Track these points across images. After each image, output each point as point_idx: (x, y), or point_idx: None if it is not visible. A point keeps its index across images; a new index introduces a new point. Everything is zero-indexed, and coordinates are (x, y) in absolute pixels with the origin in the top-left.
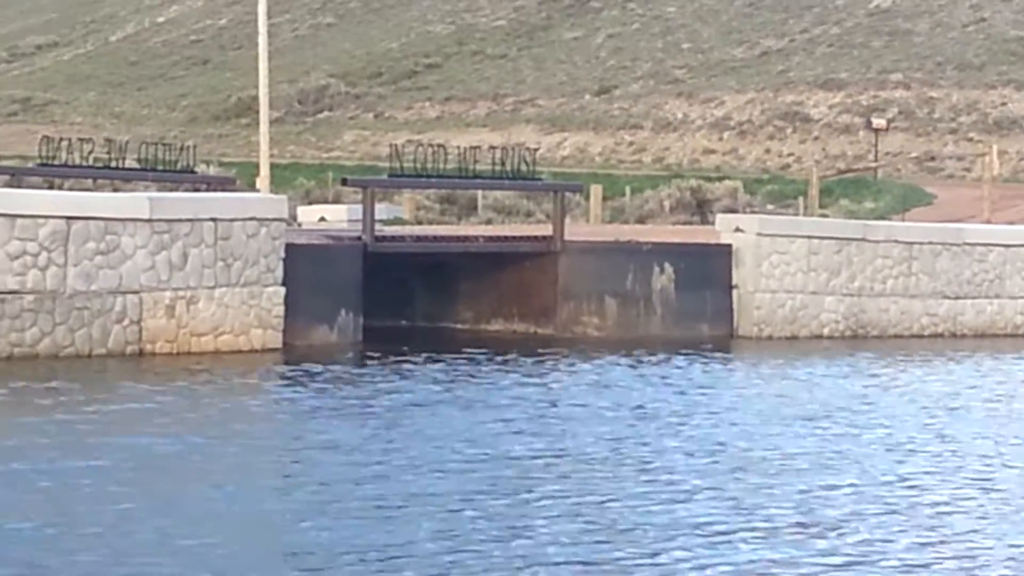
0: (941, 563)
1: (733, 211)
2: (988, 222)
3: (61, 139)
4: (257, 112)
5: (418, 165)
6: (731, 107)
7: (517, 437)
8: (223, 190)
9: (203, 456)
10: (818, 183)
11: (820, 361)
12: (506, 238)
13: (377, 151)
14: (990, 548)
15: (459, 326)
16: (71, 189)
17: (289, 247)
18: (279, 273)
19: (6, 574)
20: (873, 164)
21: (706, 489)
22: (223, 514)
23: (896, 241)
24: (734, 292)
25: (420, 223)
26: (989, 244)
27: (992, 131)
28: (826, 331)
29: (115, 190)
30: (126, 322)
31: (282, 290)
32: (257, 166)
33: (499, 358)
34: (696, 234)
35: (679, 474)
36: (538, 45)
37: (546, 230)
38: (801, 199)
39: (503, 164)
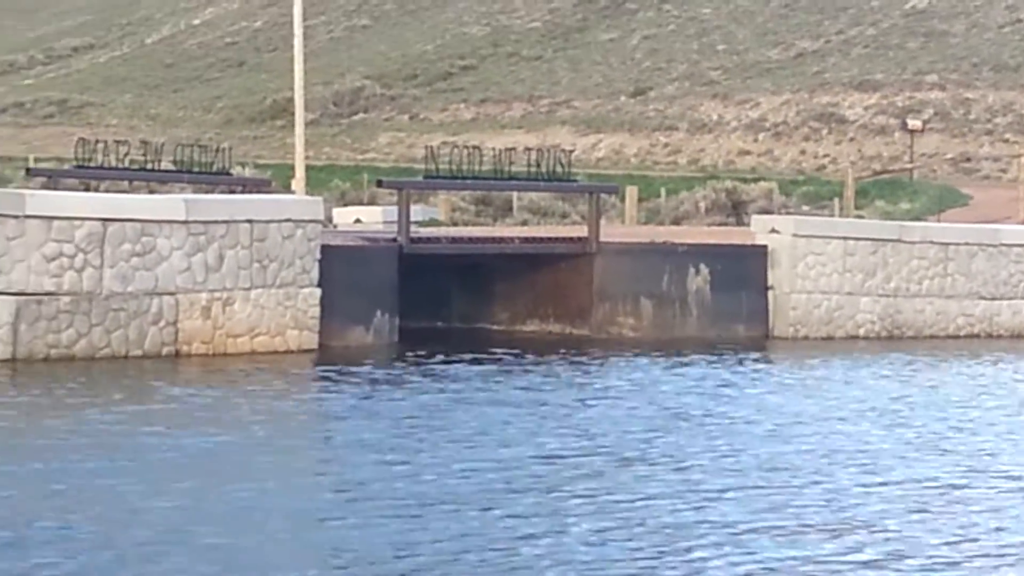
0: (970, 561)
1: (768, 212)
2: None
3: (97, 141)
4: (292, 114)
5: (453, 167)
6: (766, 108)
7: (550, 437)
8: (258, 192)
9: (237, 456)
10: (854, 184)
11: (855, 361)
12: (542, 239)
13: (412, 153)
14: (1018, 547)
15: (495, 327)
16: (107, 191)
17: (325, 248)
18: (315, 274)
19: (34, 571)
20: (909, 165)
21: (737, 488)
22: (256, 514)
23: (932, 242)
24: (770, 293)
25: (455, 224)
26: None
27: None
28: (862, 332)
29: (151, 192)
30: (162, 323)
31: (318, 291)
32: (292, 168)
33: (534, 359)
34: (731, 235)
35: (710, 473)
36: (573, 47)
37: (581, 231)
38: (837, 200)
39: (538, 166)
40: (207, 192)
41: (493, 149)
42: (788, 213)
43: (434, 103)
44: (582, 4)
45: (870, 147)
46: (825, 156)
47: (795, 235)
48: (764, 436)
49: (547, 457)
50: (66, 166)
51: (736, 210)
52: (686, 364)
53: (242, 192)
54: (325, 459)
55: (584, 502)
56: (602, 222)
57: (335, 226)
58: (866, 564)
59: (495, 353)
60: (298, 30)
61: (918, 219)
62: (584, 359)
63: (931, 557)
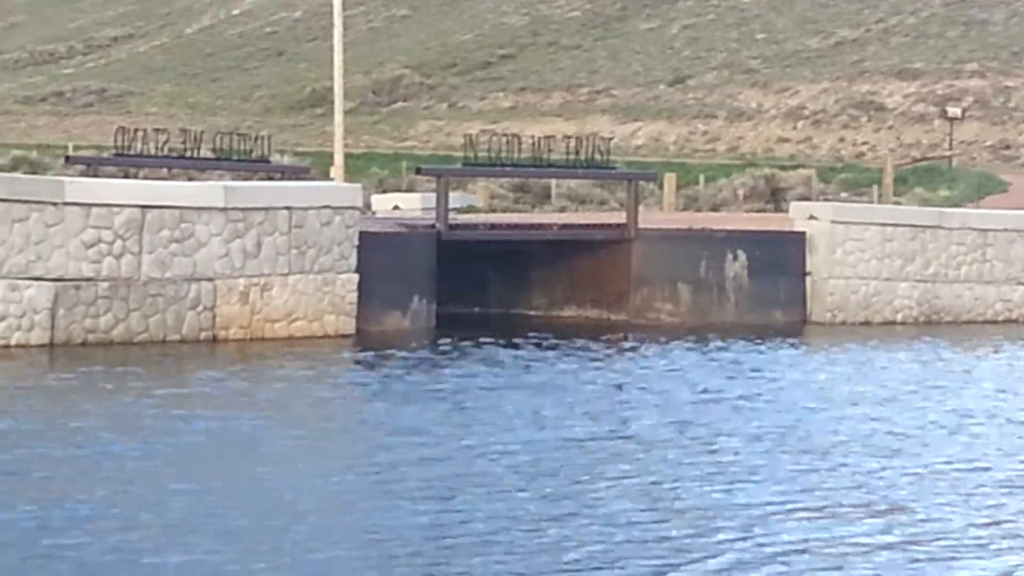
0: (999, 543)
1: (807, 199)
2: None
3: (136, 129)
4: (331, 103)
5: (492, 154)
6: (805, 96)
7: (583, 420)
8: (297, 179)
9: (271, 439)
10: (892, 171)
11: (892, 346)
12: (580, 226)
13: (451, 141)
14: None
15: (532, 312)
16: (146, 178)
17: (363, 235)
18: (353, 260)
19: (64, 551)
20: (948, 152)
21: (770, 470)
22: (287, 495)
23: (971, 228)
24: (807, 279)
25: (494, 211)
26: None
27: None
28: (899, 317)
29: (190, 179)
30: (200, 309)
31: (356, 277)
32: (331, 156)
33: (571, 344)
34: (769, 222)
35: (743, 456)
36: (613, 36)
37: (620, 218)
38: (875, 187)
39: (577, 153)
40: (246, 180)
41: (532, 137)
42: (827, 200)
43: (473, 92)
44: None
45: (909, 135)
46: (864, 144)
47: (833, 221)
48: (797, 419)
49: (580, 440)
50: (105, 154)
51: (775, 197)
52: (722, 349)
53: (280, 179)
54: (359, 442)
55: (615, 484)
56: (640, 209)
57: (373, 213)
58: (895, 545)
59: (532, 338)
60: (338, 19)
61: (957, 206)
62: (621, 344)
63: (960, 539)
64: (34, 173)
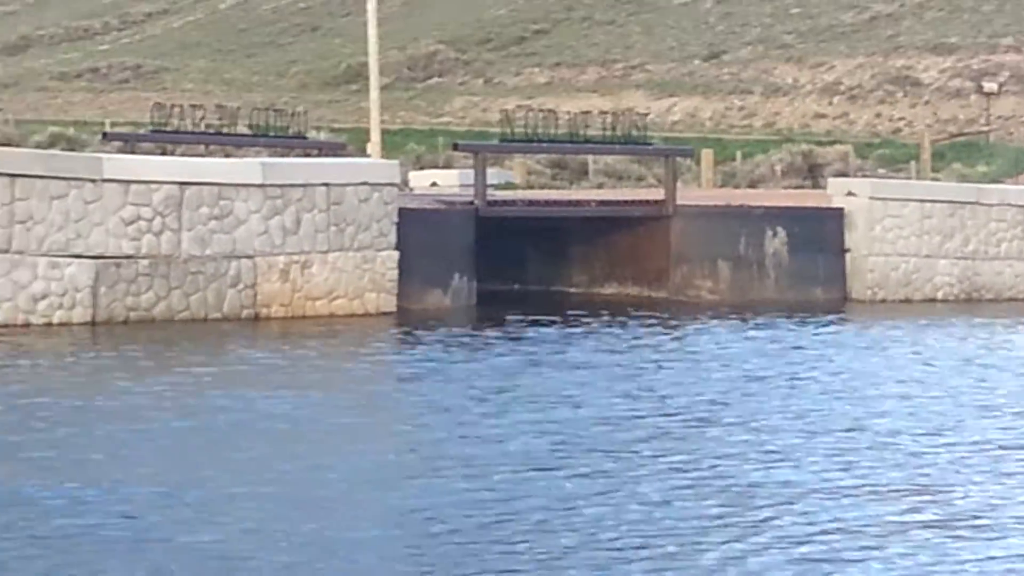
0: None
1: (844, 175)
2: None
3: (173, 106)
4: (367, 78)
5: (529, 130)
6: (841, 72)
7: (622, 398)
8: (334, 155)
9: (310, 417)
10: (930, 147)
11: (933, 324)
12: (618, 202)
13: (486, 117)
14: None
15: (572, 290)
16: (183, 155)
17: (402, 211)
18: (392, 237)
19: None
20: (985, 128)
21: (806, 448)
22: (326, 473)
23: (1010, 204)
24: (847, 256)
25: (531, 188)
26: None
27: None
28: (940, 294)
29: (227, 156)
30: (240, 286)
31: (396, 254)
32: (367, 132)
33: (610, 321)
34: (808, 198)
35: (781, 434)
36: (647, 11)
37: (657, 194)
38: (913, 163)
39: (614, 129)
40: (283, 156)
41: (568, 113)
42: (864, 176)
43: (508, 67)
44: None
45: (945, 110)
46: (900, 119)
47: (872, 198)
48: (837, 397)
49: (619, 418)
50: (142, 131)
51: (812, 173)
52: (762, 326)
53: (318, 156)
54: (398, 420)
55: (653, 462)
56: (678, 185)
57: (411, 190)
58: (933, 525)
59: (572, 315)
60: None
61: (995, 182)
62: (661, 321)
63: (999, 519)
64: (71, 150)
